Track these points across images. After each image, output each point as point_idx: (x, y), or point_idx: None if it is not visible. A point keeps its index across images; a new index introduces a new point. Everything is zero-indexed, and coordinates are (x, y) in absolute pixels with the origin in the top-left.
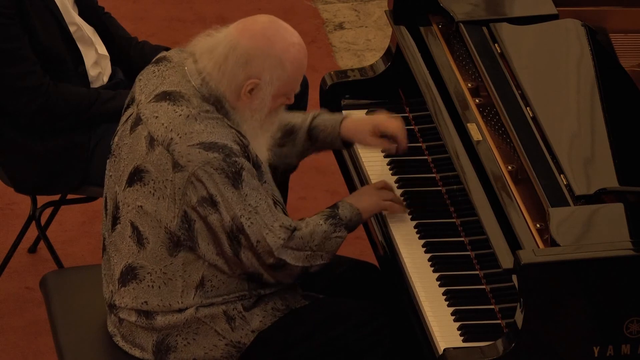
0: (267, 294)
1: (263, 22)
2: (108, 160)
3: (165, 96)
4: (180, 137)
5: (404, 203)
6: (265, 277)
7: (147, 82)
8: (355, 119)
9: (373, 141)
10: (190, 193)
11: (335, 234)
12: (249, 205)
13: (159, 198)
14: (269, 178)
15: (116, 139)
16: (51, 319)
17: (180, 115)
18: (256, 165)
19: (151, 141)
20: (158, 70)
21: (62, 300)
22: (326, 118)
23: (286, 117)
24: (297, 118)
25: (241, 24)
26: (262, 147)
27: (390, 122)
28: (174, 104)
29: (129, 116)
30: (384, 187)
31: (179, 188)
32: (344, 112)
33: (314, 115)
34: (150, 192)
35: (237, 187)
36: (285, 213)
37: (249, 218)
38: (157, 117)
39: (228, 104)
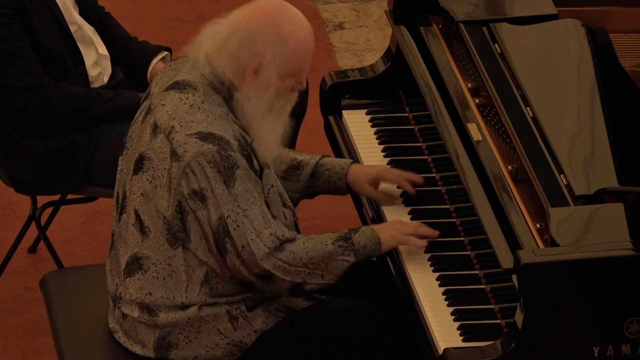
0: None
1: (265, 4)
2: (120, 157)
3: (175, 85)
4: (181, 126)
5: (431, 237)
6: (258, 286)
7: (162, 76)
8: (361, 167)
9: (371, 192)
10: (183, 184)
11: (342, 257)
12: (239, 207)
13: (156, 186)
14: (278, 184)
15: (129, 132)
16: (51, 319)
17: (185, 103)
18: (260, 167)
19: (155, 128)
20: (174, 64)
21: (62, 300)
22: (334, 159)
23: (295, 154)
24: (306, 156)
25: (244, 7)
26: (270, 132)
27: (390, 172)
28: (180, 92)
29: (143, 109)
30: (413, 226)
31: (175, 178)
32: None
33: (323, 155)
34: (149, 179)
35: (229, 184)
36: (295, 223)
37: (236, 220)
38: (163, 104)
39: (234, 88)
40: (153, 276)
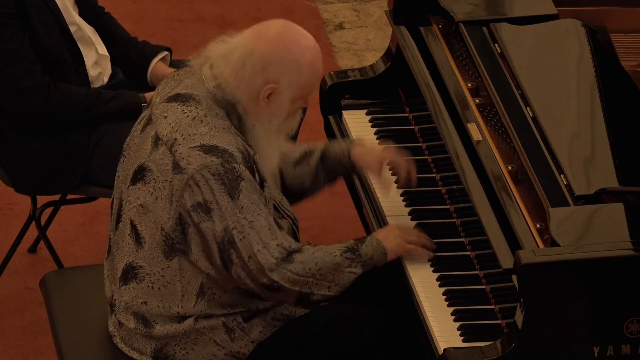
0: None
1: (278, 27)
2: (119, 162)
3: (177, 97)
4: (183, 138)
5: (429, 249)
6: (263, 297)
7: (165, 85)
8: (365, 149)
9: (375, 166)
10: (186, 196)
11: (349, 269)
12: (244, 218)
13: (156, 198)
14: (275, 194)
15: (128, 139)
16: (51, 319)
17: (187, 116)
18: (261, 180)
19: (156, 140)
20: (177, 75)
21: (62, 300)
22: (338, 145)
23: (306, 144)
24: (316, 144)
25: (256, 29)
26: (274, 152)
27: (393, 156)
28: (183, 104)
29: (143, 117)
30: (416, 234)
31: (177, 190)
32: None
33: (331, 141)
34: (150, 191)
35: (234, 196)
36: (295, 232)
37: (242, 232)
38: (165, 116)
39: (242, 109)
40: (148, 286)
